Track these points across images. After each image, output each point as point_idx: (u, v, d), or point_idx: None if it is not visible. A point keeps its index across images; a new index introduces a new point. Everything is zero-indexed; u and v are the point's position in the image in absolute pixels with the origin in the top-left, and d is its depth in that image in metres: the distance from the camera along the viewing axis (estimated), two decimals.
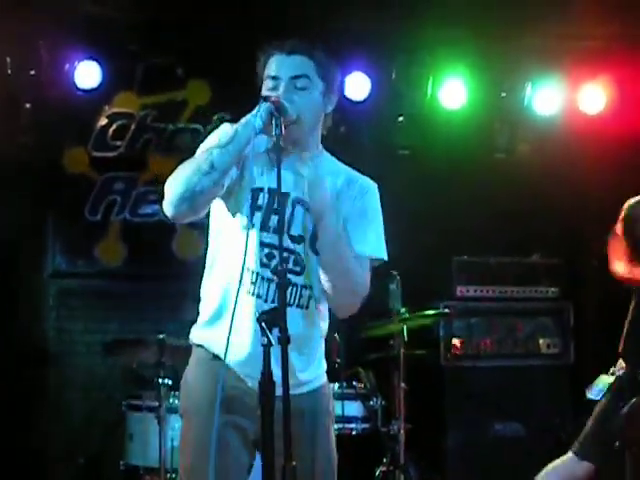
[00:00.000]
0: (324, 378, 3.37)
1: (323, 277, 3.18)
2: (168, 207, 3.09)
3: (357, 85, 7.02)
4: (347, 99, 7.05)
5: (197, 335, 3.33)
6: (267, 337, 2.59)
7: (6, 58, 6.46)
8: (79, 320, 7.24)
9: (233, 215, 3.23)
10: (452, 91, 7.13)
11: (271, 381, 2.62)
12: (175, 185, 3.07)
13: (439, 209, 7.28)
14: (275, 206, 3.15)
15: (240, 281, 3.05)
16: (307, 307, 3.24)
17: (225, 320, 3.13)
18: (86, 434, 6.78)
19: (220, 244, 3.29)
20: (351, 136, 7.29)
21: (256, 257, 3.17)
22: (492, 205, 7.31)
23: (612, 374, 5.16)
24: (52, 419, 6.97)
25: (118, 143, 7.33)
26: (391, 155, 7.39)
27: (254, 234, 3.16)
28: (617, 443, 4.73)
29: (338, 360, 5.71)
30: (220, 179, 3.07)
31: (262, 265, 3.16)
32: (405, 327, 5.86)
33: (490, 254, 7.11)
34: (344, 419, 5.68)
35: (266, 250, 3.17)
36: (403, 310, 5.92)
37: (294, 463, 2.62)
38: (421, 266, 6.88)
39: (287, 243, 3.16)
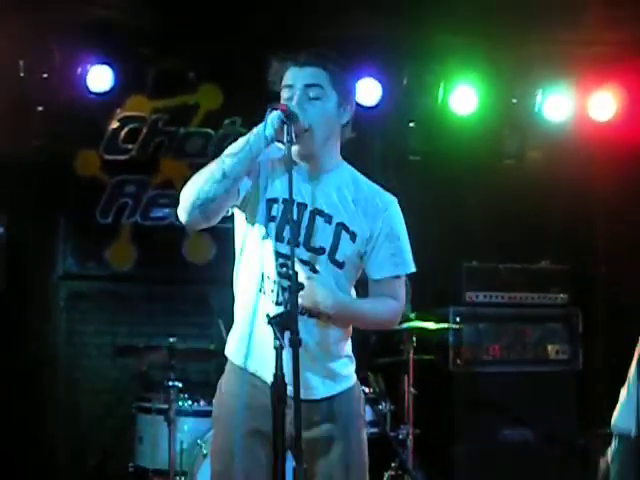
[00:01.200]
0: (352, 380, 3.42)
1: None
2: (181, 214, 3.18)
3: (368, 91, 7.03)
4: (358, 105, 7.01)
5: (228, 346, 3.41)
6: (279, 340, 2.62)
7: (19, 61, 6.49)
8: (89, 323, 7.26)
9: (251, 225, 3.28)
10: (463, 97, 7.15)
11: (283, 384, 2.65)
12: (188, 193, 3.14)
13: (449, 215, 7.29)
14: (289, 216, 3.19)
15: (260, 289, 3.18)
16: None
17: (247, 327, 3.23)
18: (96, 436, 6.80)
19: (242, 252, 3.33)
20: (362, 142, 7.28)
21: (273, 266, 3.21)
22: (502, 211, 7.32)
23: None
24: (62, 421, 6.99)
25: (130, 146, 7.34)
26: (402, 161, 7.40)
27: (270, 244, 3.22)
28: None
29: None
30: (232, 187, 3.13)
31: (279, 275, 3.20)
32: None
33: (499, 260, 7.11)
34: None
35: (281, 260, 3.20)
36: (413, 315, 5.94)
37: (305, 466, 2.64)
38: (431, 271, 6.88)
39: (303, 254, 3.21)
